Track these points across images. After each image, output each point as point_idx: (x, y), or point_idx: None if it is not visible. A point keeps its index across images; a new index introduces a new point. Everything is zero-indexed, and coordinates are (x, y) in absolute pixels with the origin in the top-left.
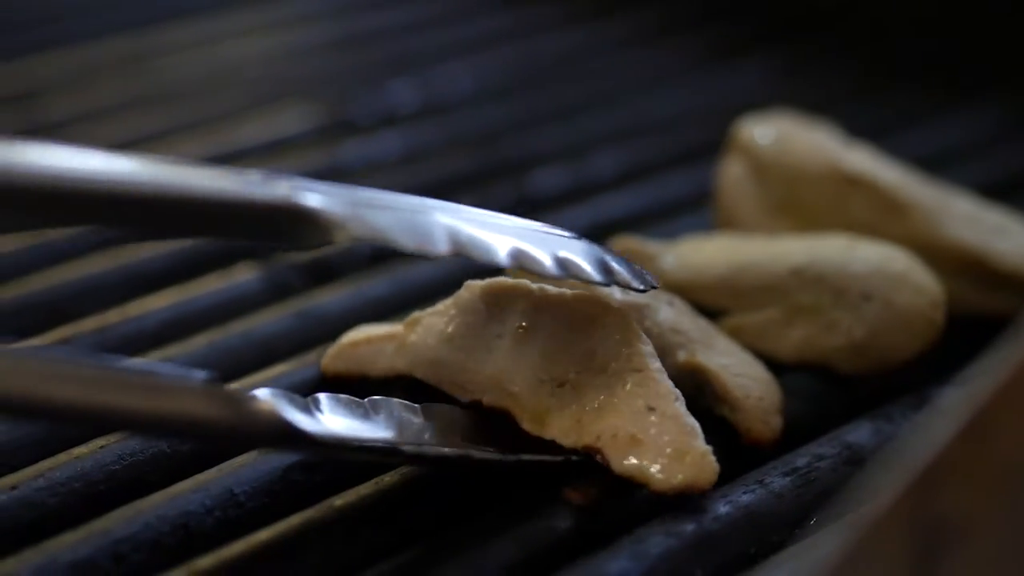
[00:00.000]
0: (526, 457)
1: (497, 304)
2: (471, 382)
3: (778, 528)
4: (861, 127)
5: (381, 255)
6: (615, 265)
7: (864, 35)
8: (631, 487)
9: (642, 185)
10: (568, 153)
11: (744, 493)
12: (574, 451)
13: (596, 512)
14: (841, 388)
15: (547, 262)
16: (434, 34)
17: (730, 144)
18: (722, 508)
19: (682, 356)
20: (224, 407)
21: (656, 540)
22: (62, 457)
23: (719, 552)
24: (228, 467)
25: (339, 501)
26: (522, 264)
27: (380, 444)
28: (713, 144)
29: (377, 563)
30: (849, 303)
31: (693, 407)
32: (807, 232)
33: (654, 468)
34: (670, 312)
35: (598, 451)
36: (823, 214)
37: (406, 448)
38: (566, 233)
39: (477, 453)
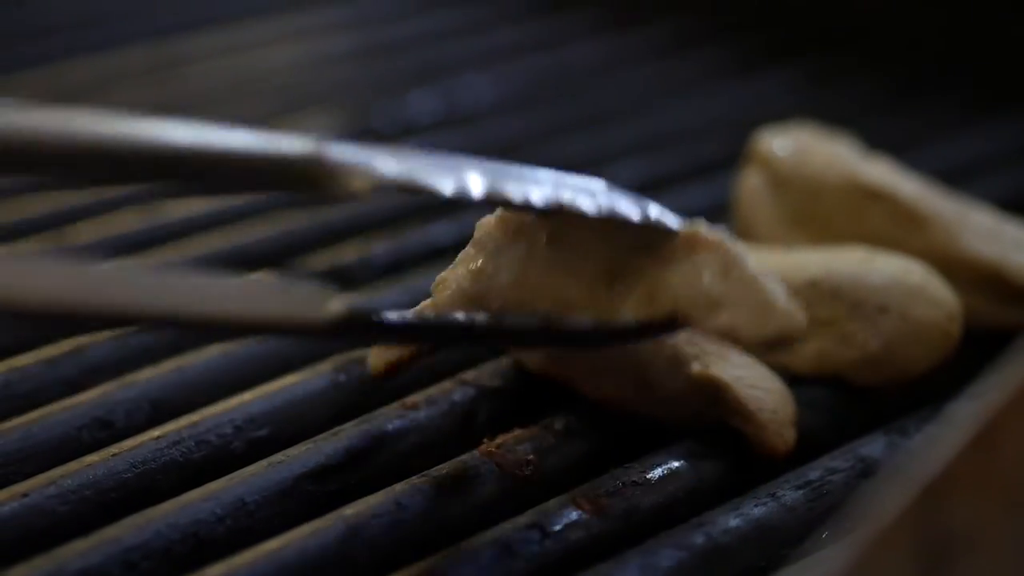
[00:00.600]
0: (613, 324)
1: (516, 230)
2: (521, 302)
3: (789, 542)
4: (881, 140)
5: (396, 265)
6: (652, 207)
7: (886, 49)
8: (640, 496)
9: (661, 196)
10: (588, 163)
11: (756, 506)
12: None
13: (606, 523)
14: (856, 401)
15: (585, 204)
16: (457, 44)
17: (749, 156)
18: (733, 521)
19: (696, 367)
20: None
21: (666, 553)
22: (73, 465)
23: (729, 565)
24: (239, 476)
25: (349, 510)
26: (561, 205)
27: (456, 321)
28: (733, 156)
29: (387, 573)
30: (865, 315)
31: (705, 420)
32: (825, 244)
33: (743, 320)
34: None
35: (680, 316)
36: (841, 226)
37: (482, 322)
38: (601, 182)
39: (562, 323)
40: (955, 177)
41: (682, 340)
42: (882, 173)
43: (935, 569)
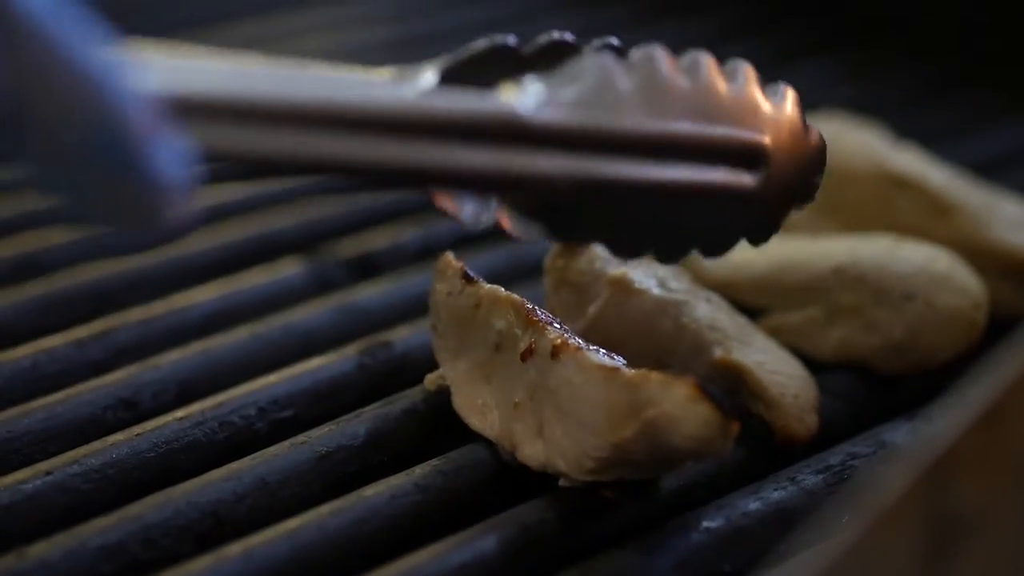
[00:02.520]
0: None
1: None
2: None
3: (808, 525)
4: (916, 132)
5: (427, 250)
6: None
7: (922, 42)
8: (662, 480)
9: None
10: None
11: (775, 490)
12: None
13: (627, 507)
14: (880, 388)
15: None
16: (485, 34)
17: None
18: (753, 504)
19: (718, 353)
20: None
21: (685, 535)
22: (97, 444)
23: (747, 548)
24: (261, 456)
25: (370, 491)
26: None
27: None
28: None
29: (405, 554)
30: (890, 303)
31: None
32: (852, 232)
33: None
34: (707, 308)
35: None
36: (869, 215)
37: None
38: None
39: None
40: (984, 169)
41: (704, 326)
42: (911, 162)
43: (943, 546)
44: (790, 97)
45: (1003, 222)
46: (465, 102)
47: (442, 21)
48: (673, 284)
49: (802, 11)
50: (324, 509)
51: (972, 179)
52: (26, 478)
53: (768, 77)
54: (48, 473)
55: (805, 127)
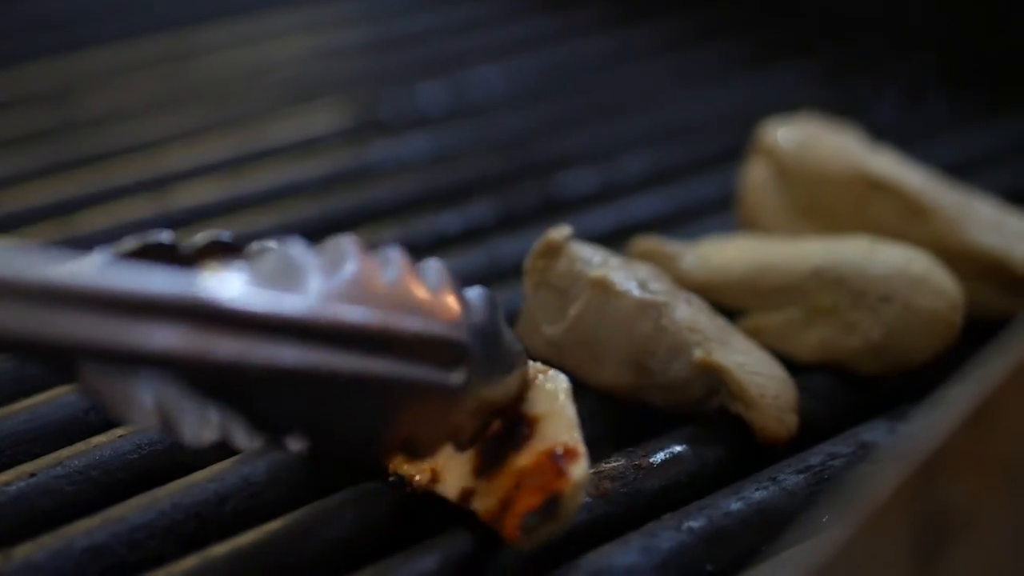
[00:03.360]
0: None
1: None
2: None
3: (789, 525)
4: (889, 134)
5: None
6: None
7: (894, 45)
8: (643, 480)
9: (668, 188)
10: (596, 156)
11: (756, 490)
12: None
13: (609, 506)
14: (859, 389)
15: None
16: (466, 38)
17: (755, 147)
18: (734, 504)
19: (698, 354)
20: None
21: (667, 535)
22: (80, 446)
23: (729, 547)
24: (244, 457)
25: (353, 494)
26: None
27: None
28: (739, 148)
29: (392, 553)
30: (868, 304)
31: (707, 406)
32: (829, 234)
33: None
34: (687, 310)
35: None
36: (846, 217)
37: None
38: None
39: None
40: (960, 170)
41: (684, 327)
42: (887, 164)
43: (932, 546)
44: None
45: (978, 224)
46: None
47: (420, 21)
48: (653, 286)
49: (776, 13)
50: (308, 510)
51: (947, 181)
52: (10, 480)
53: (737, 81)
54: (32, 475)
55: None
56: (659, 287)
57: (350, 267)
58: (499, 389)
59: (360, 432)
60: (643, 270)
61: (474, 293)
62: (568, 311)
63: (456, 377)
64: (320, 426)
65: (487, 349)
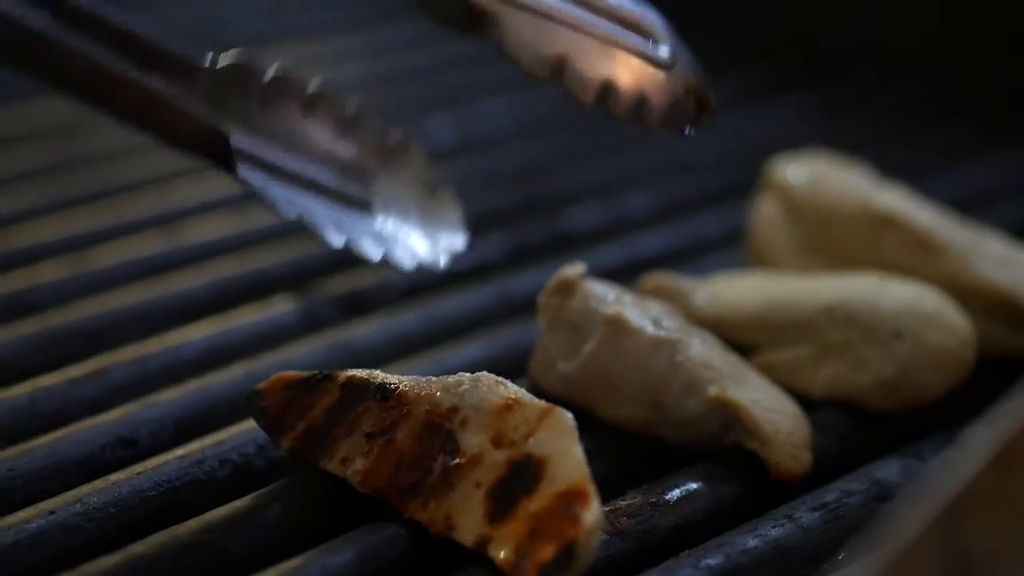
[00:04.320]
0: None
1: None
2: None
3: (806, 563)
4: (894, 169)
5: (413, 289)
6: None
7: (898, 79)
8: (659, 517)
9: (675, 224)
10: (603, 191)
11: (773, 527)
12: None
13: (625, 544)
14: (871, 425)
15: None
16: (472, 72)
17: (763, 183)
18: (751, 542)
19: (712, 391)
20: None
21: (685, 572)
22: (99, 483)
23: None
24: (264, 493)
25: (368, 533)
26: None
27: None
28: (746, 184)
29: None
30: (879, 341)
31: (721, 442)
32: (839, 271)
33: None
34: (702, 347)
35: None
36: (855, 254)
37: None
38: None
39: None
40: (968, 205)
41: (698, 364)
42: (896, 201)
43: None
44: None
45: (988, 260)
46: None
47: (426, 56)
48: (667, 323)
49: (774, 48)
50: (325, 549)
51: (954, 216)
52: (29, 517)
53: (741, 115)
54: (51, 512)
55: None
56: (672, 324)
57: None
58: (691, 78)
59: (600, 75)
60: (656, 307)
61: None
62: (582, 348)
63: (663, 49)
64: (571, 62)
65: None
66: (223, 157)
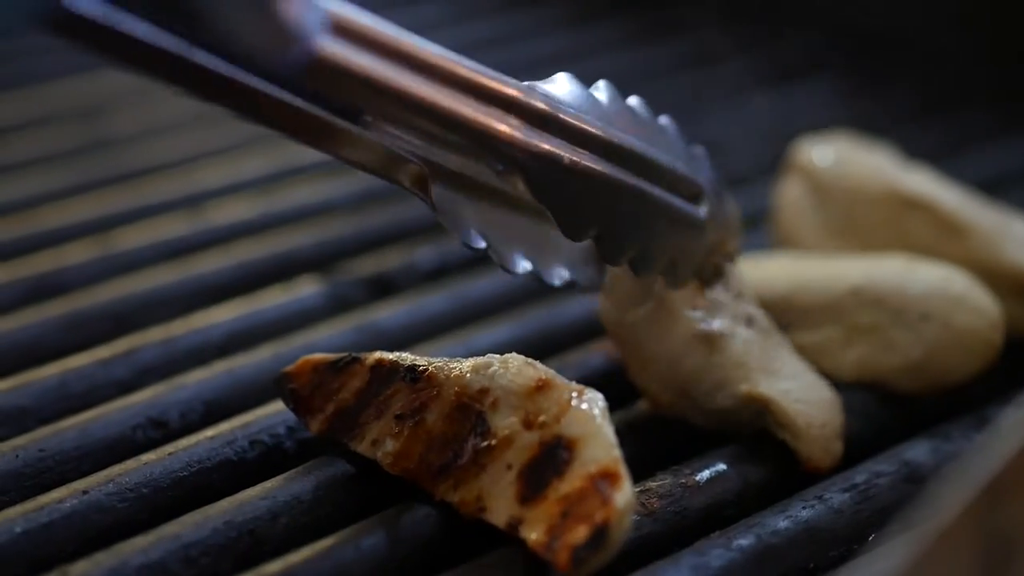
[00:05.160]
0: None
1: None
2: None
3: (837, 543)
4: (922, 149)
5: (440, 270)
6: None
7: (922, 59)
8: (690, 498)
9: None
10: None
11: (803, 508)
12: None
13: (656, 524)
14: (899, 407)
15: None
16: (492, 54)
17: (789, 165)
18: (782, 523)
19: (744, 388)
20: None
21: (717, 553)
22: (131, 463)
23: (779, 566)
24: (295, 474)
25: (400, 511)
26: None
27: None
28: (766, 166)
29: (437, 572)
30: (907, 323)
31: (753, 427)
32: (865, 253)
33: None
34: (742, 341)
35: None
36: (881, 236)
37: None
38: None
39: None
40: (993, 187)
41: (732, 363)
42: (922, 183)
43: (997, 565)
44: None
45: (1015, 242)
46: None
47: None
48: (722, 299)
49: (797, 29)
50: (358, 528)
51: (980, 198)
52: (62, 497)
53: (765, 97)
54: (84, 492)
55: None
56: (725, 299)
57: (617, 104)
58: (723, 233)
59: (637, 241)
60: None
61: (702, 152)
62: (635, 310)
63: (702, 211)
64: (609, 228)
65: (715, 195)
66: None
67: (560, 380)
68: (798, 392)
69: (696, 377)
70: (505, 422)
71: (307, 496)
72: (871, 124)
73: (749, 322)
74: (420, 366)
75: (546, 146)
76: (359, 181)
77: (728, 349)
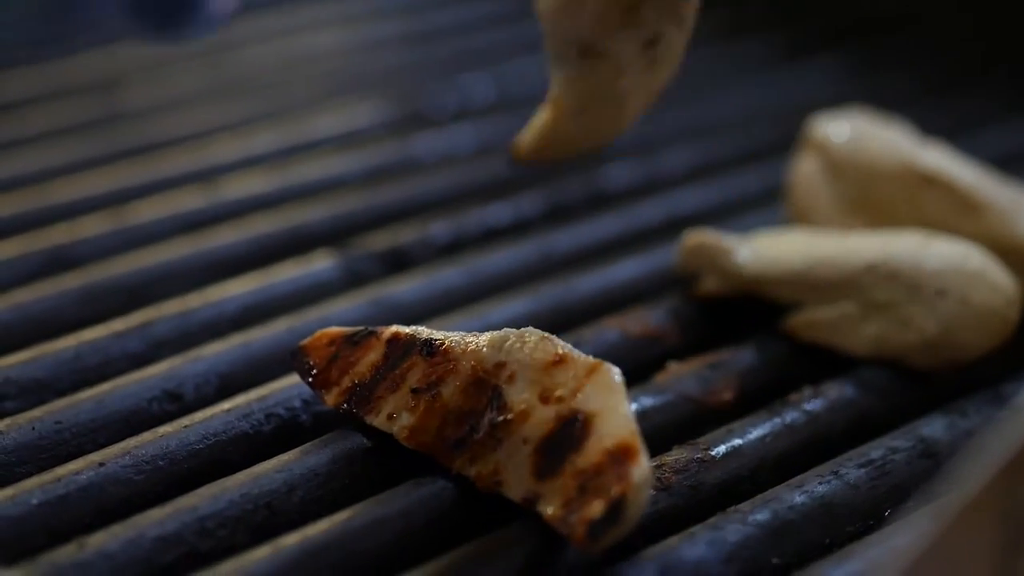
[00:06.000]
0: None
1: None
2: None
3: (853, 518)
4: (936, 126)
5: (455, 245)
6: None
7: (936, 35)
8: (705, 473)
9: (714, 181)
10: (641, 148)
11: (819, 483)
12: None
13: (672, 499)
14: (915, 383)
15: None
16: (507, 29)
17: (804, 141)
18: (797, 498)
19: None
20: None
21: (733, 528)
22: (147, 435)
23: (795, 541)
24: (311, 447)
25: (416, 484)
26: None
27: None
28: (785, 141)
29: (456, 545)
30: (924, 299)
31: None
32: (881, 229)
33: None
34: None
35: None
36: (897, 212)
37: None
38: None
39: None
40: (1008, 163)
41: None
42: (938, 159)
43: (1017, 543)
44: None
45: None
46: None
47: (459, 14)
48: None
49: (811, 6)
50: (375, 500)
51: (995, 175)
52: (79, 468)
53: (779, 74)
54: (101, 464)
55: None
56: None
57: None
58: None
59: None
60: None
61: None
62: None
63: None
64: None
65: None
66: None
67: (577, 354)
68: None
69: None
70: (521, 396)
71: (323, 469)
72: (885, 101)
73: None
74: (436, 340)
75: None
76: (371, 156)
77: None
